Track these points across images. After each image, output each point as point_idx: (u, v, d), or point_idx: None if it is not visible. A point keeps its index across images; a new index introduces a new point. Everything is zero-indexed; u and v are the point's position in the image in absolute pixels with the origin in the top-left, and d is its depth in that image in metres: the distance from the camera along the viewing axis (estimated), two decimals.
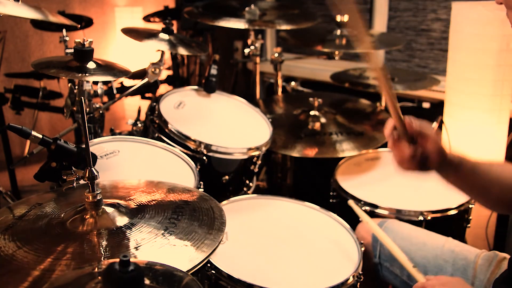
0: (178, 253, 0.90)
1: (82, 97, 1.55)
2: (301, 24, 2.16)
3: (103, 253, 0.88)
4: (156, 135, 1.65)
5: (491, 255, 1.26)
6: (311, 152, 1.85)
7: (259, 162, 1.74)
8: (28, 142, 2.87)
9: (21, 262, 0.85)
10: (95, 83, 1.69)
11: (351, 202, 1.47)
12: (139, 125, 1.86)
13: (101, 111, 1.68)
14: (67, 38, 1.74)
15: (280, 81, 2.41)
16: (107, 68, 1.43)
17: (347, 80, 2.29)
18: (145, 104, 2.62)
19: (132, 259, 0.65)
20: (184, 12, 2.22)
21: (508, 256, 1.19)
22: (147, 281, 0.69)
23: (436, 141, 1.07)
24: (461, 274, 1.25)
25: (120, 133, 2.21)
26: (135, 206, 1.05)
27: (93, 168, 0.98)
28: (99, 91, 1.68)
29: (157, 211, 1.03)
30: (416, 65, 2.86)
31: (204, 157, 1.58)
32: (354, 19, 0.95)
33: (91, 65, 1.39)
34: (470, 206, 1.64)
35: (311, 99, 2.05)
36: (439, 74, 2.68)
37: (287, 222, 1.49)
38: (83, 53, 1.38)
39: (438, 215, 1.58)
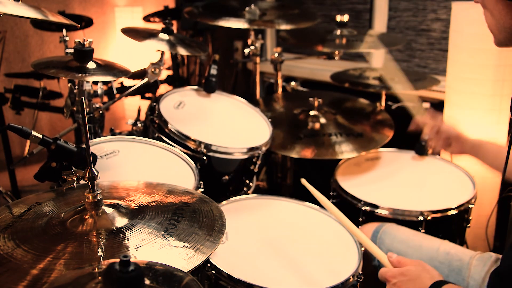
0: (178, 254, 0.90)
1: (83, 97, 1.55)
2: (301, 24, 2.16)
3: (102, 253, 0.87)
4: (156, 135, 1.65)
5: (486, 256, 1.29)
6: (310, 154, 1.84)
7: (259, 162, 1.74)
8: (28, 142, 2.87)
9: (20, 261, 0.84)
10: (95, 83, 1.69)
11: (304, 181, 1.42)
12: (139, 125, 1.86)
13: (101, 111, 1.68)
14: (67, 38, 1.74)
15: (280, 81, 2.41)
16: (107, 68, 1.43)
17: (347, 80, 2.29)
18: (145, 104, 2.63)
19: (132, 259, 0.65)
20: (184, 12, 2.22)
21: None
22: (147, 281, 0.69)
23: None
24: (456, 275, 1.29)
25: (120, 133, 2.21)
26: (135, 207, 1.05)
27: (93, 168, 0.98)
28: (99, 91, 1.68)
29: (157, 213, 1.03)
30: (416, 65, 2.86)
31: (204, 157, 1.58)
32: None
33: (91, 65, 1.39)
34: (470, 206, 1.64)
35: (311, 99, 2.05)
36: (439, 74, 2.68)
37: (287, 222, 1.49)
38: (83, 53, 1.38)
39: (438, 215, 1.57)
